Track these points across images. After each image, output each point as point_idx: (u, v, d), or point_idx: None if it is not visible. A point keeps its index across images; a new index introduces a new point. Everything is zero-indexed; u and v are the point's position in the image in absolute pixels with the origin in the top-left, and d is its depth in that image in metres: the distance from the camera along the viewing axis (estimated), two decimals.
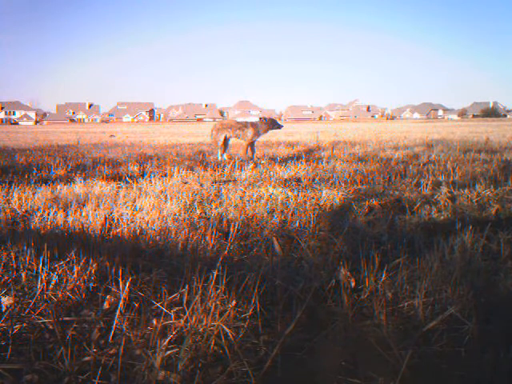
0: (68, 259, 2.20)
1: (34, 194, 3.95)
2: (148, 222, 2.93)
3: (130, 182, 4.77)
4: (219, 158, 7.50)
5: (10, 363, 1.45)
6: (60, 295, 1.91)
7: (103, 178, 5.15)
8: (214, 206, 3.48)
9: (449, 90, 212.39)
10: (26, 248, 2.27)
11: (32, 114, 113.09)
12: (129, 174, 5.58)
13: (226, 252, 2.44)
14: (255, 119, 7.93)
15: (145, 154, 8.54)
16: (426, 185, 4.37)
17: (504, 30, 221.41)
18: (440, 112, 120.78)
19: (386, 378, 1.35)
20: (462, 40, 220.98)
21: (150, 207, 3.39)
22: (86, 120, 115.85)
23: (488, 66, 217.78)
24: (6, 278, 2.08)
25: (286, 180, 4.92)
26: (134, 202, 3.63)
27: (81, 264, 2.12)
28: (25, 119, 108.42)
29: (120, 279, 1.92)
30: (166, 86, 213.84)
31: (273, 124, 7.64)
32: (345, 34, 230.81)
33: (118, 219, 3.03)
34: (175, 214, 3.16)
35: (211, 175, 5.26)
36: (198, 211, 3.28)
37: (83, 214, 3.07)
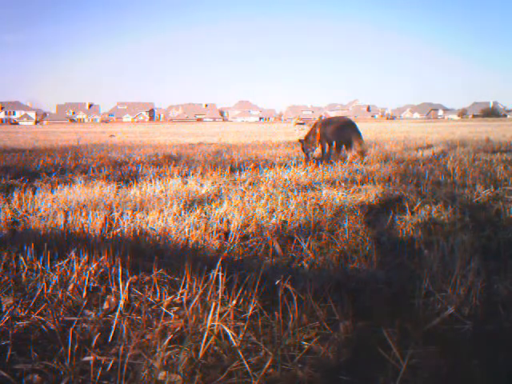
0: (68, 259, 2.20)
1: (33, 193, 3.95)
2: (148, 221, 2.93)
3: (131, 181, 4.76)
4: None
5: (11, 363, 1.45)
6: (60, 295, 1.91)
7: (103, 177, 5.15)
8: (214, 206, 3.48)
9: (449, 90, 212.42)
10: (26, 248, 2.27)
11: (32, 114, 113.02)
12: (129, 173, 5.58)
13: (226, 252, 2.44)
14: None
15: (145, 154, 8.54)
16: (426, 185, 4.37)
17: (504, 29, 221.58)
18: (440, 112, 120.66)
19: (386, 377, 1.35)
20: (462, 40, 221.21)
21: (151, 207, 3.39)
22: (86, 120, 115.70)
23: (488, 65, 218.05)
24: (6, 278, 2.08)
25: (286, 180, 4.92)
26: (134, 201, 3.63)
27: (81, 264, 2.12)
28: (25, 119, 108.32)
29: (120, 279, 1.92)
30: (166, 86, 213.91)
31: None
32: (345, 34, 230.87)
33: (118, 219, 3.03)
34: (175, 214, 3.16)
35: (211, 175, 5.26)
36: (198, 211, 3.28)
37: (83, 213, 3.07)
